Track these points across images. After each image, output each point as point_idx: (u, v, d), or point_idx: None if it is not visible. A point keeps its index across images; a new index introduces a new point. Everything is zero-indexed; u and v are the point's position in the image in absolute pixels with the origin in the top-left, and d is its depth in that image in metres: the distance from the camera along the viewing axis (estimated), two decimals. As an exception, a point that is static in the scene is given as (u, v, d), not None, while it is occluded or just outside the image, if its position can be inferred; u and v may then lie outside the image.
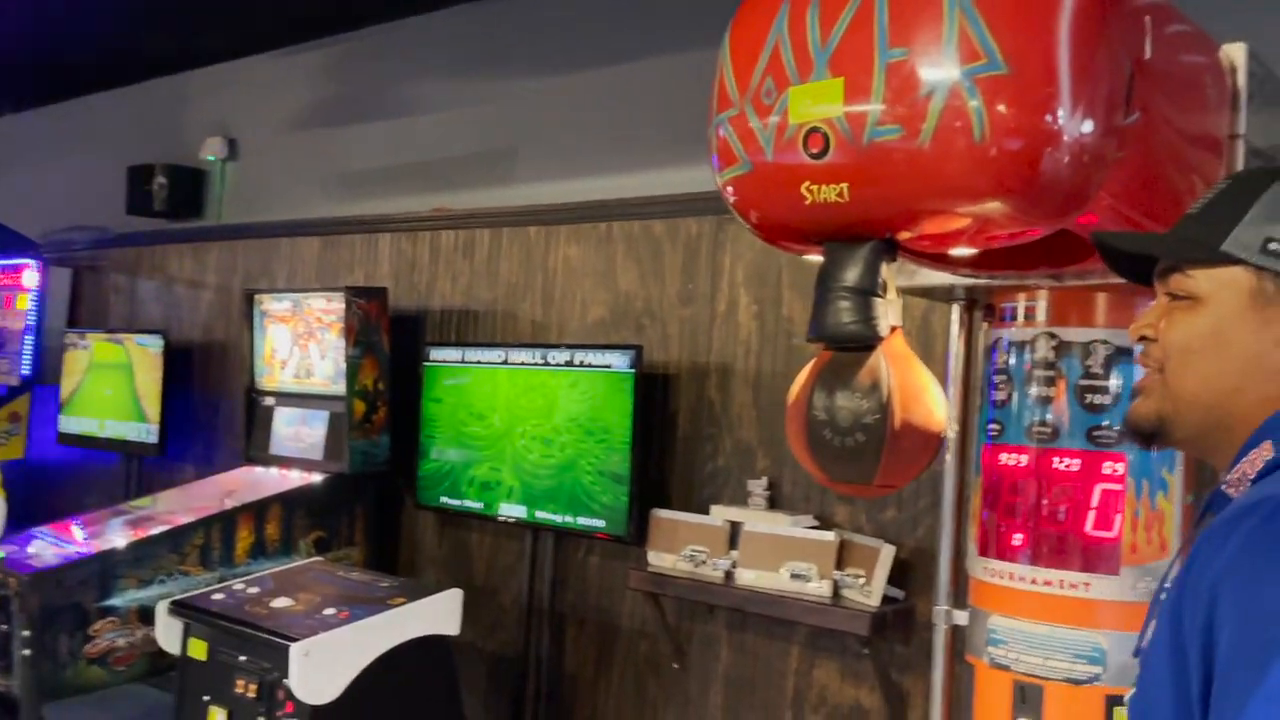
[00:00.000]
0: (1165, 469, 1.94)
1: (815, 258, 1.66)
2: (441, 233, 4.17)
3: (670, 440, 3.42)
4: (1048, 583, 1.96)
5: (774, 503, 3.13)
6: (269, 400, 4.28)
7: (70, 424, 5.33)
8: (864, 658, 2.91)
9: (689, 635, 3.32)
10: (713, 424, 3.34)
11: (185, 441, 5.02)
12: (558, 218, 3.79)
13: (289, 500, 3.81)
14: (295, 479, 3.97)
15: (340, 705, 2.79)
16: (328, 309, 3.99)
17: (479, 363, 3.67)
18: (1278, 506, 0.91)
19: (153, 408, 4.85)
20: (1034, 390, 2.02)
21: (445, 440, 3.75)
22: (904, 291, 1.93)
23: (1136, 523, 1.93)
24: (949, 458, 2.25)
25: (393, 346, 3.98)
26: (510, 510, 3.53)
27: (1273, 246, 1.02)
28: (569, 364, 3.39)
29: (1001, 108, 1.37)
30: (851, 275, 1.53)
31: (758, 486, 3.12)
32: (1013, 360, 2.06)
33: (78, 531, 3.78)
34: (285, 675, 2.75)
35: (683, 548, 3.11)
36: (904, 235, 1.53)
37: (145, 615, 3.36)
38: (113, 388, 5.07)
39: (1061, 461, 1.98)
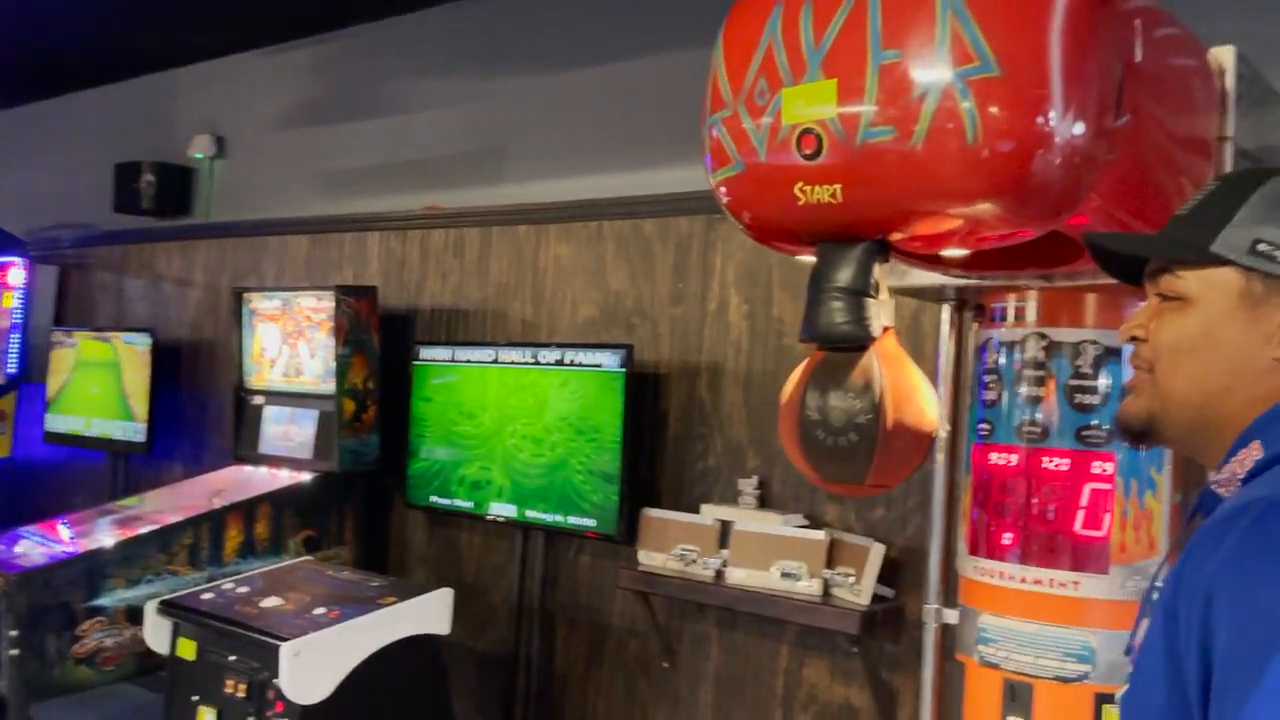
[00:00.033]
0: (1154, 468, 1.96)
1: (807, 258, 1.67)
2: (431, 231, 4.17)
3: (661, 439, 3.42)
4: (1037, 581, 1.97)
5: (764, 502, 3.14)
6: (258, 399, 4.27)
7: (57, 423, 5.30)
8: (854, 656, 2.92)
9: (679, 634, 3.32)
10: (703, 423, 3.34)
11: (173, 440, 5.00)
12: (548, 217, 3.79)
13: (278, 499, 3.80)
14: (284, 478, 3.95)
15: (330, 705, 2.79)
16: (317, 308, 3.98)
17: (469, 362, 3.67)
18: (1269, 507, 0.92)
19: (140, 406, 4.83)
20: (1024, 390, 2.03)
21: (435, 439, 3.75)
22: (894, 292, 1.93)
23: (1125, 522, 1.94)
24: (939, 457, 2.27)
25: (382, 345, 3.97)
26: (500, 509, 3.53)
27: (1261, 247, 1.03)
28: (559, 363, 3.39)
29: (994, 109, 1.37)
30: (844, 276, 1.54)
31: (748, 485, 3.13)
32: (1003, 360, 2.07)
33: (65, 531, 3.76)
34: (275, 675, 2.74)
35: (673, 547, 3.12)
36: (896, 236, 1.54)
37: (133, 615, 3.35)
38: (100, 386, 5.05)
39: (1051, 461, 1.99)
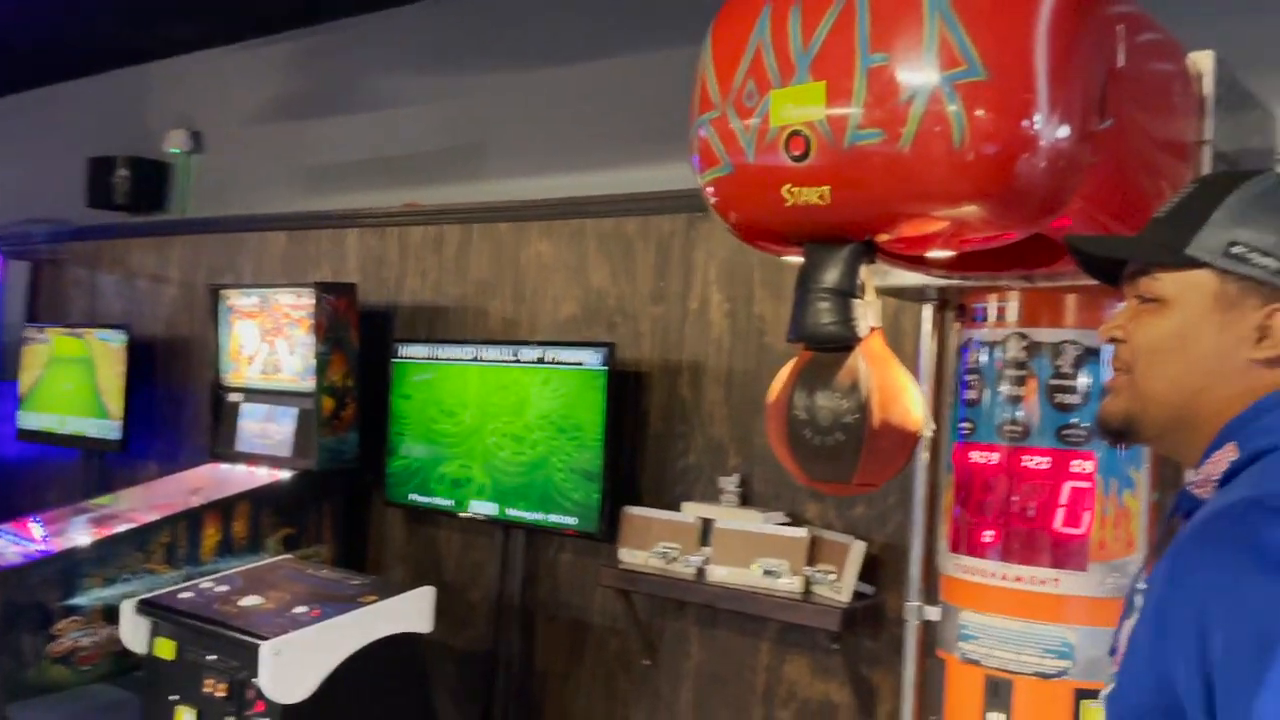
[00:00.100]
0: (1132, 467, 1.99)
1: (794, 259, 1.68)
2: (411, 228, 4.15)
3: (642, 438, 3.43)
4: (1018, 579, 1.99)
5: (745, 500, 3.15)
6: (235, 396, 4.24)
7: (29, 420, 5.24)
8: (834, 653, 2.94)
9: (660, 632, 3.33)
10: (684, 421, 3.35)
11: (148, 438, 4.95)
12: (529, 214, 3.78)
13: (256, 497, 3.78)
14: (262, 476, 3.93)
15: (311, 704, 2.77)
16: (296, 304, 3.96)
17: (449, 359, 3.66)
18: (1247, 508, 0.94)
19: (115, 404, 4.78)
20: (1005, 389, 2.05)
21: (415, 437, 3.74)
22: (876, 292, 1.95)
23: (1105, 520, 1.96)
24: (923, 455, 2.29)
25: (361, 343, 3.95)
26: (481, 507, 3.52)
27: (1235, 250, 1.04)
28: (540, 361, 3.39)
29: (980, 113, 1.39)
30: (831, 277, 1.55)
31: (729, 483, 3.14)
32: (984, 360, 2.09)
33: (38, 530, 3.72)
34: (255, 674, 2.72)
35: (654, 545, 3.13)
36: (883, 237, 1.55)
37: (110, 614, 3.32)
38: (73, 383, 5.00)
39: (1032, 460, 2.01)
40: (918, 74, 1.41)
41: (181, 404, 4.93)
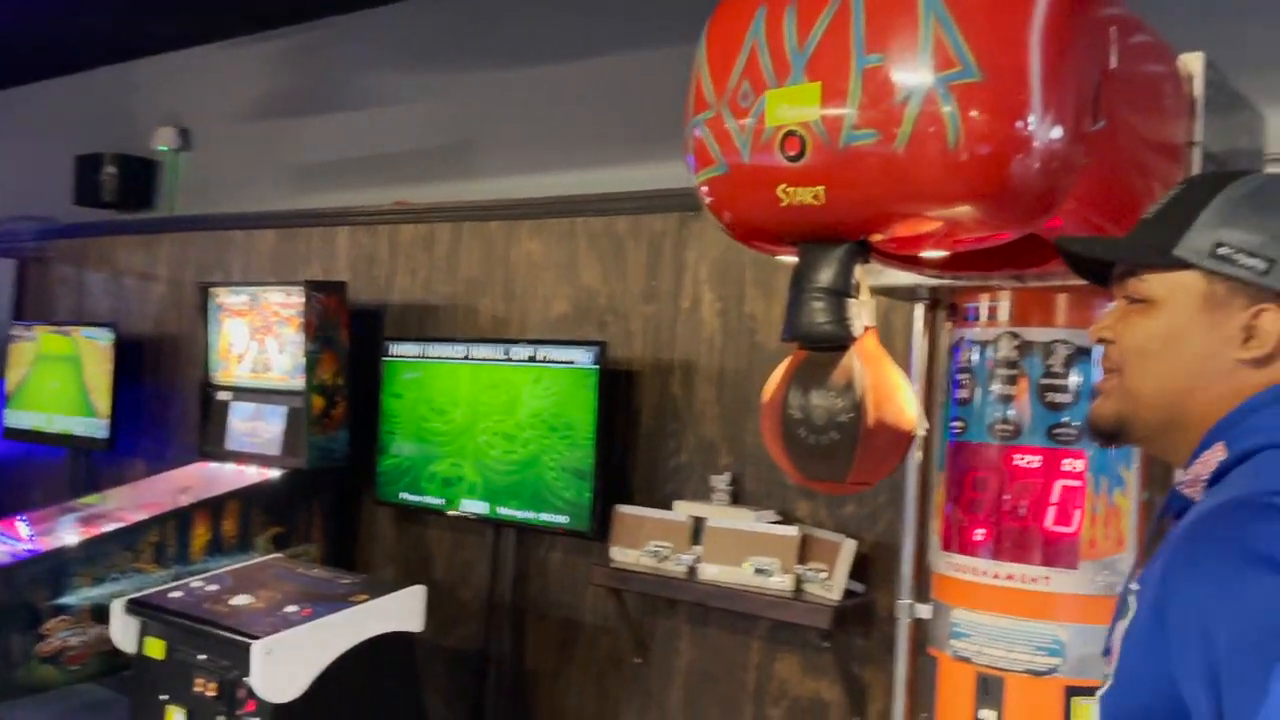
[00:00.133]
0: (1123, 466, 2.00)
1: (788, 258, 1.69)
2: (401, 226, 4.15)
3: (633, 436, 3.44)
4: (1009, 576, 2.00)
5: (736, 498, 3.16)
6: (224, 395, 4.23)
7: (16, 418, 5.22)
8: (824, 651, 2.95)
9: (651, 630, 3.34)
10: (676, 420, 3.36)
11: (136, 437, 4.93)
12: (520, 213, 3.78)
13: (246, 496, 3.77)
14: (252, 475, 3.92)
15: (302, 703, 2.77)
16: (286, 303, 3.95)
17: (440, 358, 3.66)
18: (1241, 504, 0.95)
19: (102, 402, 4.76)
20: (996, 388, 2.06)
21: (405, 436, 3.73)
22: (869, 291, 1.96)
23: (1095, 518, 1.98)
24: (916, 453, 2.30)
25: (351, 341, 3.95)
26: (472, 506, 3.52)
27: (1222, 251, 1.04)
28: (532, 359, 3.39)
29: (975, 114, 1.40)
30: (826, 276, 1.56)
31: (720, 482, 3.15)
32: (976, 359, 2.10)
33: (24, 529, 3.70)
34: (246, 674, 2.72)
35: (646, 543, 3.13)
36: (877, 237, 1.56)
37: (98, 614, 3.31)
38: (60, 381, 4.97)
39: (1023, 458, 2.02)
40: (913, 75, 1.42)
41: (169, 403, 4.91)
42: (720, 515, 3.05)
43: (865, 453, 1.53)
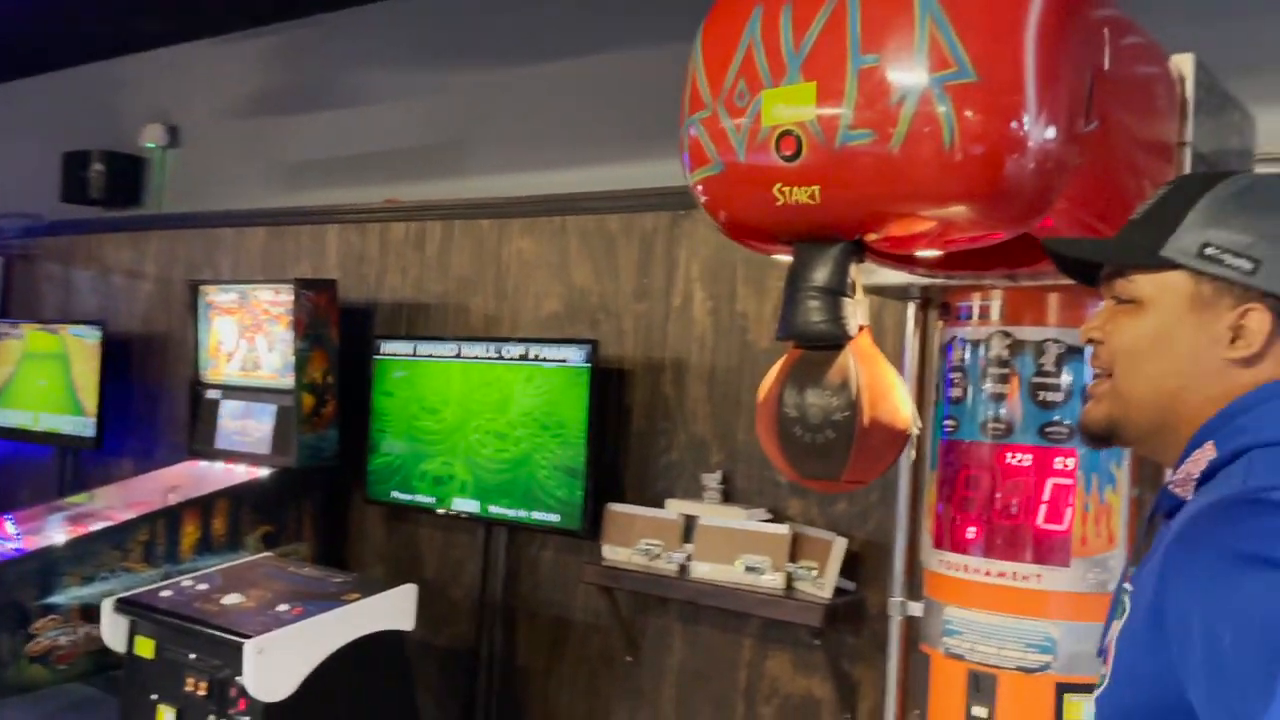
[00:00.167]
0: (1113, 464, 2.01)
1: (783, 257, 1.69)
2: (391, 224, 4.14)
3: (625, 435, 3.44)
4: (1001, 574, 2.01)
5: (728, 496, 3.17)
6: (214, 393, 4.22)
7: (2, 417, 5.18)
8: (815, 649, 2.96)
9: (642, 629, 3.34)
10: (667, 419, 3.36)
11: (123, 436, 4.91)
12: (511, 211, 3.78)
13: (236, 495, 3.76)
14: (241, 473, 3.91)
15: (294, 702, 2.77)
16: (276, 301, 3.94)
17: (431, 356, 3.65)
18: (1235, 501, 0.95)
19: (90, 400, 4.73)
20: (988, 387, 2.07)
21: (396, 434, 3.73)
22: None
23: (1086, 516, 1.99)
24: (909, 451, 2.30)
25: (342, 339, 3.94)
26: (463, 505, 3.52)
27: (1209, 251, 1.05)
28: (524, 358, 3.39)
29: (970, 114, 1.40)
30: (821, 275, 1.56)
31: (712, 480, 3.16)
32: (968, 357, 2.11)
33: (11, 528, 3.68)
34: (238, 673, 2.71)
35: (637, 541, 3.14)
36: (872, 237, 1.56)
37: (88, 613, 3.29)
38: (47, 379, 4.95)
39: (1014, 456, 2.03)
40: (908, 75, 1.42)
41: (157, 401, 4.89)
42: (711, 513, 3.06)
43: (860, 451, 1.54)
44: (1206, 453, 1.03)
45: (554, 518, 3.28)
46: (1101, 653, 1.10)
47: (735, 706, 3.14)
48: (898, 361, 2.35)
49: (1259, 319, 1.03)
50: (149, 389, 4.93)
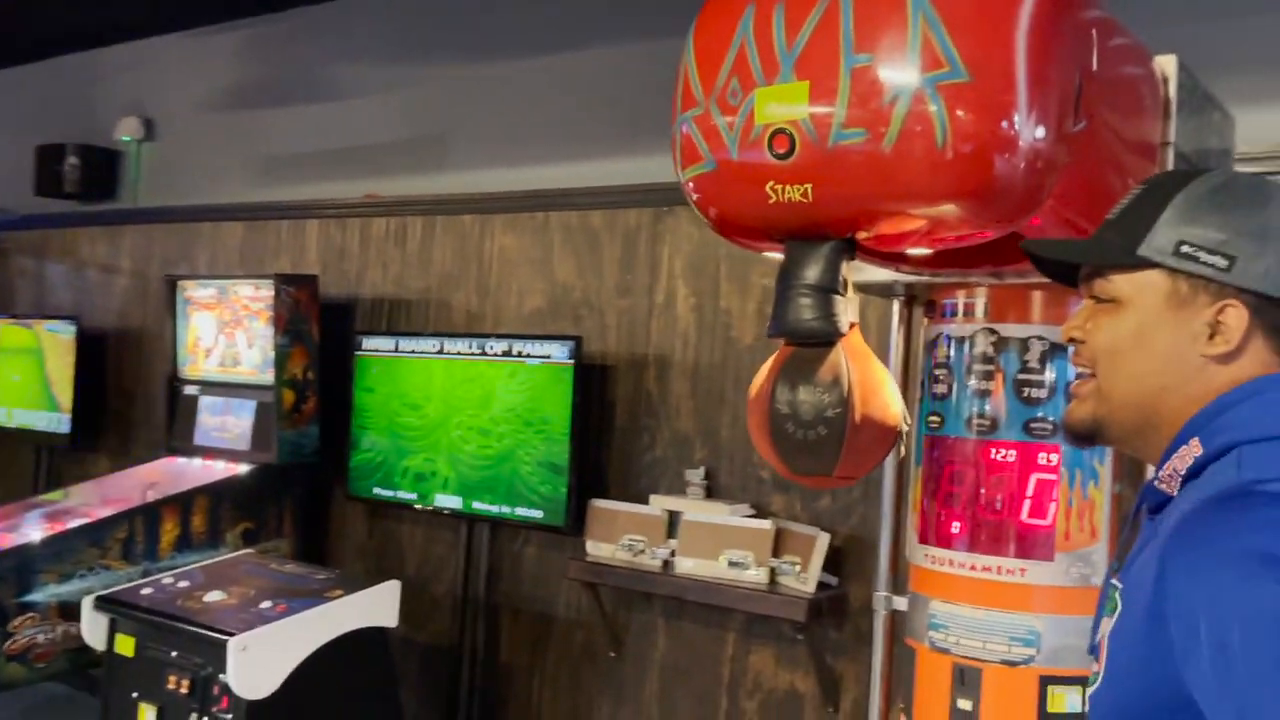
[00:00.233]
0: (1096, 460, 2.03)
1: (773, 255, 1.70)
2: (372, 220, 4.12)
3: (608, 431, 3.44)
4: (986, 569, 2.03)
5: (711, 492, 3.18)
6: (192, 389, 4.18)
7: (-25, 412, 5.12)
8: (798, 643, 2.98)
9: (625, 624, 3.35)
10: (650, 415, 3.37)
11: (99, 431, 4.86)
12: (493, 207, 3.77)
13: (215, 492, 3.74)
14: (221, 470, 3.88)
15: (277, 699, 2.76)
16: (256, 296, 3.91)
17: (413, 352, 3.64)
18: (1229, 497, 0.96)
19: (65, 396, 4.69)
20: (973, 383, 2.09)
21: (378, 431, 3.71)
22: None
23: (1069, 511, 2.01)
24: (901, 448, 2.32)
25: (322, 335, 3.92)
26: (445, 501, 3.52)
27: (1185, 249, 1.06)
28: (507, 354, 3.39)
29: (962, 114, 1.41)
30: (813, 273, 1.57)
31: (695, 476, 3.17)
32: (953, 354, 2.13)
33: (-14, 525, 3.64)
34: (221, 670, 2.70)
35: (621, 537, 3.14)
36: (863, 235, 1.58)
37: (66, 610, 3.26)
38: (21, 374, 4.89)
39: (999, 452, 2.05)
40: (901, 75, 1.43)
41: (133, 397, 4.85)
42: (695, 509, 3.07)
43: (852, 447, 1.55)
44: (1193, 449, 1.04)
45: (537, 514, 3.29)
46: (1093, 650, 1.11)
47: (718, 701, 3.16)
48: (882, 358, 2.36)
49: (1236, 315, 1.04)
50: (124, 385, 4.88)
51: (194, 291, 4.16)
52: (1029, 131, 1.43)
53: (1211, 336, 1.06)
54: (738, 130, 1.56)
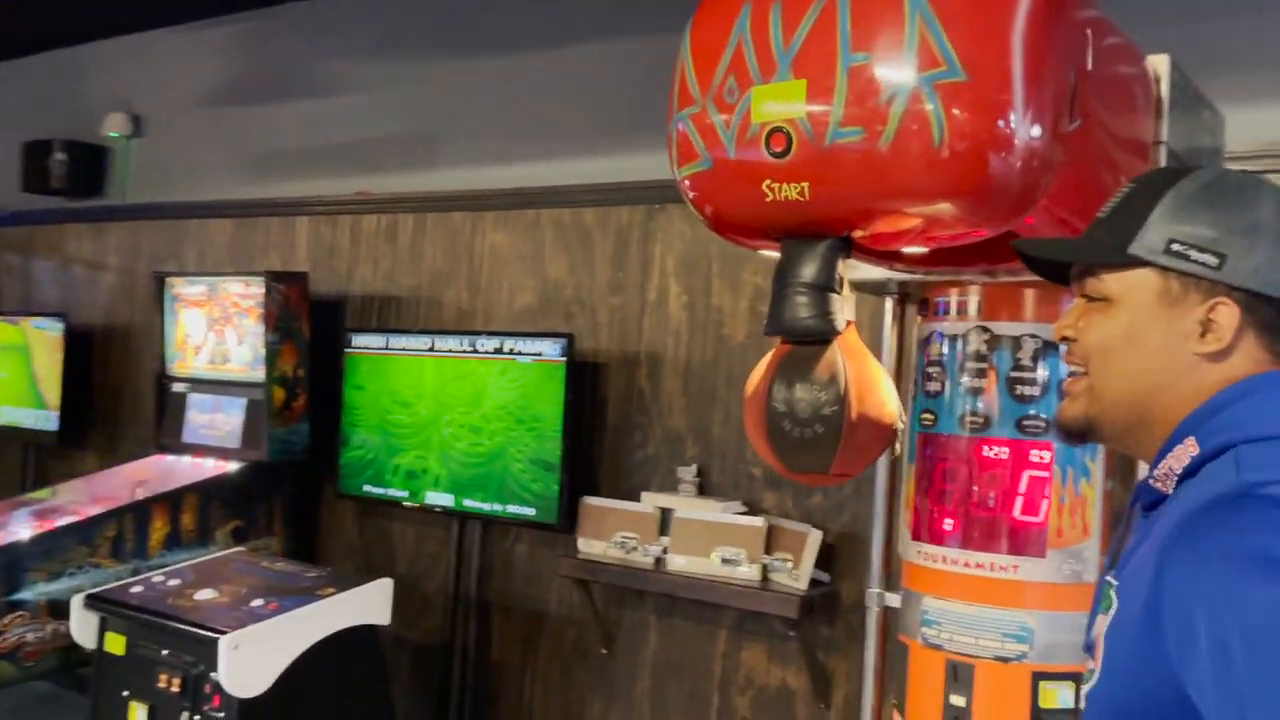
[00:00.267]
0: (1088, 457, 2.05)
1: (769, 253, 1.71)
2: (363, 217, 4.11)
3: (600, 428, 3.44)
4: (979, 565, 2.04)
5: (703, 490, 3.19)
6: (181, 387, 4.16)
7: (-39, 410, 5.09)
8: (790, 640, 2.99)
9: (617, 622, 3.35)
10: (642, 412, 3.37)
11: (87, 429, 4.84)
12: (485, 204, 3.77)
13: (205, 489, 3.72)
14: (210, 468, 3.87)
15: (269, 698, 2.75)
16: (245, 294, 3.90)
17: (404, 350, 3.64)
18: (1228, 499, 0.95)
19: (52, 393, 4.66)
20: (966, 381, 2.10)
21: (369, 428, 3.71)
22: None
23: (1062, 508, 2.02)
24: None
25: (313, 333, 3.91)
26: (437, 499, 3.51)
27: (1175, 247, 1.06)
28: (499, 352, 3.39)
29: (958, 112, 1.42)
30: (809, 272, 1.57)
31: (687, 474, 3.17)
32: (946, 352, 2.14)
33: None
34: (212, 669, 2.69)
35: (613, 535, 3.15)
36: (860, 233, 1.58)
37: (55, 609, 3.25)
38: (8, 371, 4.86)
39: (991, 449, 2.06)
40: (898, 74, 1.44)
41: (121, 395, 4.82)
42: (687, 506, 3.07)
43: (848, 445, 1.56)
44: (1189, 448, 1.04)
45: (529, 511, 3.29)
46: (1088, 647, 1.11)
47: (710, 698, 3.17)
48: (875, 355, 2.37)
49: (1227, 313, 1.05)
50: (111, 383, 4.86)
51: (183, 288, 4.14)
52: (1025, 130, 1.44)
53: (1203, 334, 1.06)
54: (734, 128, 1.56)
